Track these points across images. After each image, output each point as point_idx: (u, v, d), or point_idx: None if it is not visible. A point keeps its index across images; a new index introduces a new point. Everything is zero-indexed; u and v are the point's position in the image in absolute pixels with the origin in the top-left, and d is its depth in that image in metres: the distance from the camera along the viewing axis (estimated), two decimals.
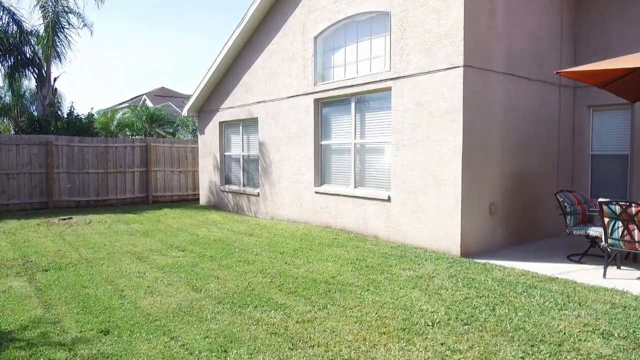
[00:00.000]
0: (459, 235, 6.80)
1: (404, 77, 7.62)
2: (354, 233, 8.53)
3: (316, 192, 9.54)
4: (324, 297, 4.87)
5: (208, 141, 13.53)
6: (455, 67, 6.84)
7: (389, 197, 7.92)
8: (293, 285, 5.29)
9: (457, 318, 4.25)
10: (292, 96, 10.12)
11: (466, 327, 4.07)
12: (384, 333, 3.94)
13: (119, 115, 19.35)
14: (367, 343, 3.75)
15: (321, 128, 9.63)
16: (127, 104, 29.51)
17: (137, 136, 17.53)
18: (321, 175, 9.66)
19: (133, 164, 13.84)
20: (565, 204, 6.72)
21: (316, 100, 9.55)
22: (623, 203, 5.45)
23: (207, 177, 13.62)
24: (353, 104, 8.79)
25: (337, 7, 8.88)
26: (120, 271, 5.91)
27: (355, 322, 4.17)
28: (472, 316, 4.29)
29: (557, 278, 5.59)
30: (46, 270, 5.92)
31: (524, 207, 7.88)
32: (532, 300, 4.72)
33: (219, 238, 8.20)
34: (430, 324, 4.13)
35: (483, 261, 6.43)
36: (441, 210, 7.06)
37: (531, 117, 7.96)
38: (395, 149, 7.80)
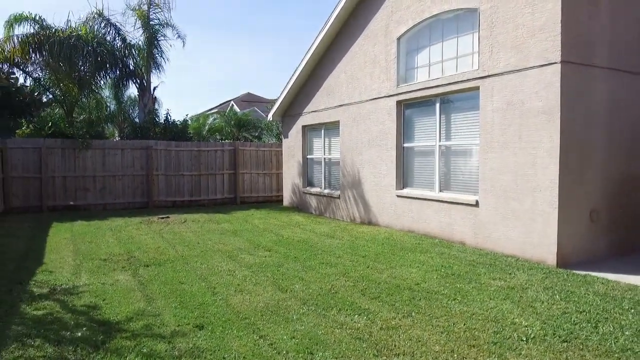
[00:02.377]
0: (555, 244, 6.33)
1: (493, 75, 7.27)
2: (438, 239, 8.29)
3: (398, 196, 9.40)
4: (408, 304, 4.79)
5: (291, 144, 13.90)
6: (551, 64, 6.39)
7: (477, 201, 7.58)
8: (376, 290, 5.25)
9: (554, 334, 3.95)
10: (374, 99, 10.07)
11: (565, 344, 3.78)
12: (474, 346, 3.77)
13: (209, 121, 20.54)
14: (455, 355, 3.62)
15: (403, 130, 9.48)
16: (216, 110, 31.26)
17: (225, 140, 18.48)
18: (403, 178, 9.51)
19: (222, 166, 14.61)
20: None
21: (399, 102, 9.41)
22: None
23: (290, 179, 13.99)
24: (437, 105, 8.55)
25: (421, 6, 8.69)
26: (212, 268, 6.26)
27: (442, 333, 4.05)
28: (572, 333, 3.97)
29: None
30: (147, 266, 6.44)
31: (631, 214, 7.15)
32: None
33: (302, 239, 8.38)
34: (524, 339, 3.89)
35: (583, 273, 5.92)
36: (535, 217, 6.63)
37: (639, 116, 7.21)
38: (484, 152, 7.46)
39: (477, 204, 7.58)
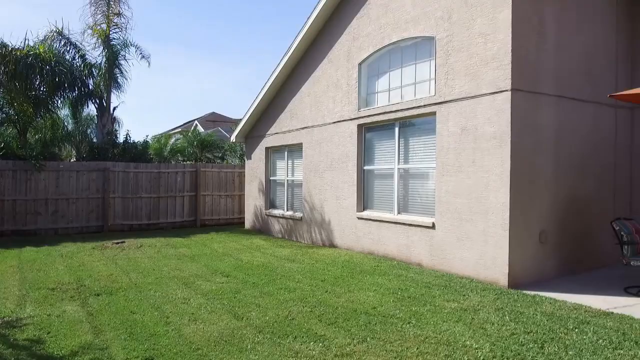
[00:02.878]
0: (507, 265, 6.52)
1: (448, 101, 7.53)
2: (397, 260, 8.38)
3: (359, 218, 9.49)
4: (364, 329, 4.79)
5: (254, 166, 13.85)
6: (502, 91, 6.68)
7: (433, 223, 7.75)
8: (333, 315, 5.24)
9: (502, 356, 4.04)
10: (336, 122, 10.21)
11: None
12: None
13: (172, 141, 20.23)
14: None
15: (364, 153, 9.63)
16: (180, 129, 30.85)
17: (188, 161, 18.22)
18: (364, 200, 9.62)
19: (183, 188, 14.36)
20: (622, 233, 6.31)
21: (360, 126, 9.58)
22: None
23: (253, 201, 13.90)
24: (397, 129, 8.75)
25: (381, 33, 8.96)
26: (166, 297, 6.09)
27: (395, 358, 4.07)
28: (519, 354, 4.07)
29: (612, 313, 5.22)
30: (98, 295, 6.20)
31: (577, 236, 7.47)
32: (585, 337, 4.43)
33: (262, 264, 8.30)
34: None
35: (532, 293, 6.11)
36: (488, 239, 6.82)
37: (584, 140, 7.60)
38: (440, 175, 7.66)
39: (433, 226, 7.74)
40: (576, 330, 4.66)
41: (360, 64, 9.57)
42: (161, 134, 23.36)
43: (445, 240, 7.53)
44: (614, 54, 8.03)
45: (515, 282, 6.55)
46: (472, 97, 7.11)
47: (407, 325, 4.88)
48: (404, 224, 8.39)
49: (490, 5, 6.82)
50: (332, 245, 10.25)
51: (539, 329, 4.70)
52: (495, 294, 6.04)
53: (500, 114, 6.69)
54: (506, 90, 6.62)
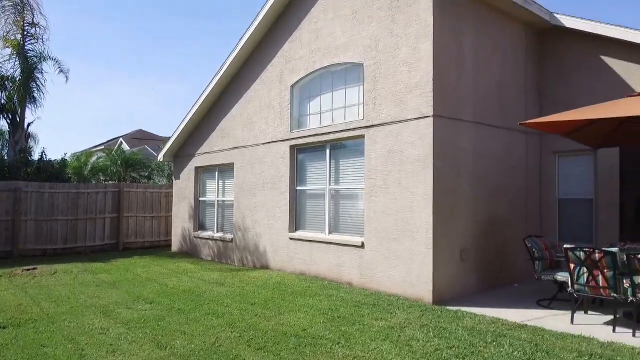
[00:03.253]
0: (431, 282, 6.80)
1: (376, 125, 7.81)
2: (328, 280, 8.45)
3: (290, 238, 9.48)
4: (293, 352, 4.75)
5: (183, 186, 13.43)
6: (425, 117, 7.06)
7: (363, 243, 7.92)
8: (262, 339, 5.15)
9: None
10: (269, 142, 10.22)
11: None
12: None
13: (93, 159, 19.11)
14: None
15: (296, 174, 9.70)
16: (103, 147, 29.27)
17: (110, 181, 17.28)
18: (296, 221, 9.64)
19: (104, 209, 13.56)
20: (533, 250, 6.83)
21: (292, 147, 9.66)
22: (587, 249, 5.58)
23: (180, 223, 13.43)
24: (328, 151, 8.92)
25: (313, 57, 9.16)
26: (82, 327, 5.67)
27: None
28: None
29: (526, 325, 5.60)
30: (4, 328, 5.64)
31: (494, 253, 7.97)
32: (502, 350, 4.70)
33: (189, 288, 8.00)
34: None
35: (455, 308, 6.41)
36: (413, 257, 7.08)
37: (499, 163, 8.19)
38: (369, 195, 7.88)
39: (363, 246, 7.91)
40: (494, 343, 4.93)
41: (292, 86, 9.70)
42: (82, 151, 22.02)
43: (374, 259, 7.71)
44: (523, 85, 8.80)
45: (439, 298, 6.83)
46: (398, 122, 7.45)
47: (337, 346, 4.91)
48: (335, 243, 8.50)
49: (413, 36, 7.24)
50: (264, 267, 10.12)
51: (461, 343, 4.92)
52: (421, 311, 6.26)
53: (424, 138, 7.05)
54: (429, 116, 7.00)
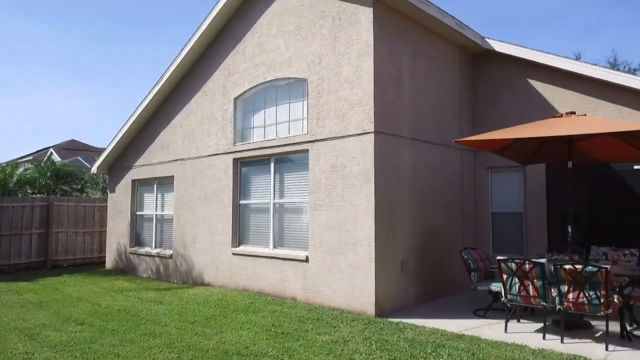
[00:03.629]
0: (374, 295, 6.90)
1: (320, 140, 7.89)
2: (272, 295, 8.35)
3: (233, 254, 9.29)
4: None
5: (119, 200, 12.84)
6: (367, 133, 7.22)
7: (307, 257, 7.92)
8: (203, 359, 4.98)
9: None
10: (211, 155, 10.02)
11: None
12: None
13: (20, 171, 17.81)
14: None
15: (240, 187, 9.56)
16: (31, 157, 27.39)
17: (39, 194, 16.16)
18: (239, 235, 9.48)
19: (31, 225, 12.65)
20: (469, 261, 7.14)
21: (235, 160, 9.53)
22: (518, 260, 5.90)
23: (116, 238, 12.79)
24: (272, 164, 8.89)
25: (257, 71, 9.14)
26: (4, 352, 5.21)
27: None
28: None
29: (464, 335, 5.81)
30: None
31: (433, 265, 8.23)
32: None
33: (124, 308, 7.60)
34: None
35: (396, 320, 6.54)
36: (356, 270, 7.17)
37: (437, 178, 8.52)
38: (313, 209, 7.91)
39: (307, 260, 7.91)
40: (434, 354, 5.07)
41: (236, 99, 9.61)
42: (6, 162, 20.48)
43: (318, 273, 7.73)
44: (458, 105, 9.25)
45: (382, 310, 6.94)
46: (341, 137, 7.57)
47: None
48: (279, 258, 8.43)
49: (355, 55, 7.43)
50: (206, 284, 9.84)
51: (402, 355, 5.02)
52: (364, 324, 6.32)
53: (365, 153, 7.21)
54: (370, 132, 7.18)
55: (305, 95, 8.25)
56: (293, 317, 6.73)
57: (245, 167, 9.53)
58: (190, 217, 10.41)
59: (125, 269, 12.27)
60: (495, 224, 9.50)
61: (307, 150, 8.11)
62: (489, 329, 6.15)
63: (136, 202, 12.46)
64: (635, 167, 8.00)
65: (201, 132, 10.34)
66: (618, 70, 8.53)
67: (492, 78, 9.51)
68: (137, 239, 12.32)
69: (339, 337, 5.72)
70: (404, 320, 6.54)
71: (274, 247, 8.72)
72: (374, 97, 7.17)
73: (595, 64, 8.26)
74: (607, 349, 5.24)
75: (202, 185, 10.19)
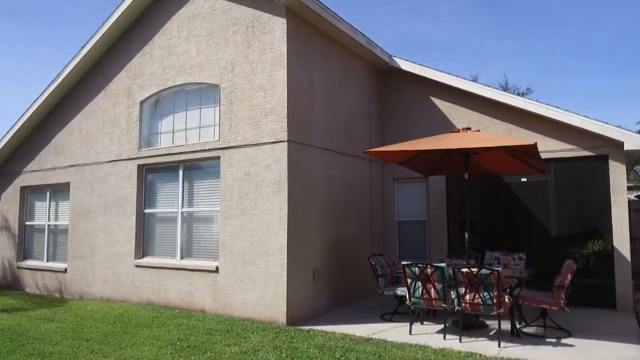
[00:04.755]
0: (285, 303, 6.88)
1: (232, 147, 7.75)
2: (179, 309, 7.97)
3: (137, 266, 8.75)
4: None
5: (4, 208, 11.53)
6: (280, 142, 7.23)
7: (217, 267, 7.69)
8: None
9: None
10: (113, 161, 9.40)
11: None
12: None
13: None
14: None
15: (145, 196, 9.06)
16: None
17: None
18: (143, 246, 8.95)
19: None
20: (377, 267, 7.41)
21: (140, 166, 9.02)
22: (421, 265, 6.24)
23: (0, 251, 11.44)
24: (181, 172, 8.54)
25: (166, 74, 8.77)
26: None
27: None
28: None
29: (371, 339, 5.99)
30: None
31: (344, 272, 8.42)
32: None
33: (9, 327, 6.79)
34: None
35: (307, 328, 6.57)
36: (268, 279, 7.10)
37: (348, 187, 8.77)
38: (224, 218, 7.72)
39: (217, 270, 7.68)
40: (342, 358, 5.16)
41: (142, 102, 9.14)
42: None
43: (229, 283, 7.53)
44: (368, 118, 9.64)
45: (293, 318, 6.93)
46: (255, 145, 7.51)
47: None
48: (187, 269, 8.09)
49: (268, 63, 7.44)
50: (105, 299, 9.13)
51: None
52: (275, 333, 6.26)
53: (279, 162, 7.22)
54: (284, 141, 7.20)
55: (218, 101, 8.08)
56: (201, 330, 6.47)
57: (152, 174, 9.07)
58: (89, 227, 9.64)
59: (12, 285, 11.00)
60: (401, 232, 9.98)
61: (218, 157, 7.92)
62: (395, 331, 6.41)
63: (25, 211, 11.27)
64: (522, 179, 8.88)
65: (102, 136, 9.67)
66: (508, 92, 9.46)
67: (399, 95, 10.05)
68: (25, 252, 11.13)
69: (249, 347, 5.60)
70: (315, 327, 6.59)
71: (182, 257, 8.35)
72: (287, 107, 7.22)
73: (489, 85, 9.07)
74: (499, 345, 5.70)
75: (102, 193, 9.50)
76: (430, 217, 9.58)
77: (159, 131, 9.01)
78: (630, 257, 7.93)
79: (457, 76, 9.19)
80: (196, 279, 7.95)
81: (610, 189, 8.03)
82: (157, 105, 9.07)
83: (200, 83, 8.35)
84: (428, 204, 9.64)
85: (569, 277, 6.09)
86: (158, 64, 8.92)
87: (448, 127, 9.00)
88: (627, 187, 7.97)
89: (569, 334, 6.18)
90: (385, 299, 8.15)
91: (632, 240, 9.76)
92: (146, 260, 8.73)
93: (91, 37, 9.58)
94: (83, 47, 9.72)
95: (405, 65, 9.68)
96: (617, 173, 8.01)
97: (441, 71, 9.33)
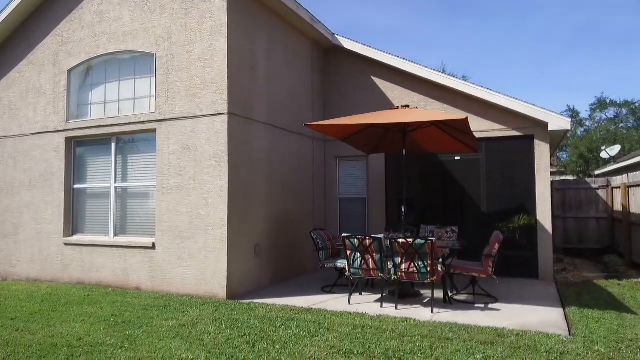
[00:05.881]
0: (225, 278, 6.80)
1: (169, 119, 7.47)
2: (114, 287, 7.67)
3: (66, 244, 8.28)
4: None
5: None
6: (220, 114, 7.06)
7: (154, 244, 7.45)
8: (25, 355, 4.34)
9: None
10: (39, 133, 8.76)
11: None
12: None
13: None
14: None
15: (74, 170, 8.55)
16: None
17: None
18: (73, 223, 8.48)
19: None
20: (318, 241, 7.50)
21: (69, 139, 8.48)
22: (360, 237, 6.38)
23: None
24: (114, 145, 8.13)
25: (96, 41, 8.25)
26: None
27: None
28: (232, 357, 4.25)
29: (312, 308, 6.09)
30: None
31: (286, 247, 8.45)
32: (289, 332, 4.99)
33: None
34: None
35: (248, 301, 6.55)
36: (208, 254, 6.98)
37: (291, 164, 8.75)
38: (161, 193, 7.47)
39: (153, 246, 7.44)
40: (283, 327, 5.20)
41: (70, 71, 8.55)
42: None
43: (166, 260, 7.33)
44: (311, 95, 9.63)
45: (234, 293, 6.88)
46: (193, 117, 7.28)
47: (119, 351, 4.47)
48: (121, 246, 7.77)
49: (208, 32, 7.20)
50: (31, 279, 8.58)
51: (252, 331, 5.04)
52: (214, 307, 6.19)
53: (219, 135, 7.05)
54: (223, 114, 7.03)
55: (153, 71, 7.72)
56: (137, 306, 6.27)
57: (81, 147, 8.56)
58: (12, 204, 8.97)
59: None
60: (342, 209, 10.15)
61: (154, 130, 7.61)
62: (335, 302, 6.55)
63: None
64: (456, 157, 9.28)
65: (26, 106, 8.97)
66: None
67: (342, 74, 10.10)
68: None
69: (188, 320, 5.50)
70: (256, 301, 6.58)
71: (116, 235, 8.01)
72: (227, 78, 7.04)
73: (427, 67, 9.33)
74: (432, 311, 5.99)
75: (26, 167, 8.86)
76: (370, 194, 9.80)
77: (90, 102, 8.49)
78: (552, 232, 8.56)
79: (398, 56, 9.38)
80: (131, 256, 7.66)
81: (535, 168, 8.59)
82: (88, 75, 8.53)
83: (135, 52, 7.93)
84: (368, 181, 9.85)
85: (497, 246, 6.49)
86: (88, 30, 8.37)
87: (388, 106, 9.18)
88: (550, 172, 8.55)
89: (496, 300, 6.60)
90: (326, 273, 8.28)
91: (554, 217, 10.56)
92: (76, 238, 8.29)
93: (11, 2, 8.79)
94: (2, 10, 8.91)
95: (347, 44, 9.73)
96: (542, 152, 8.57)
97: (382, 51, 9.47)
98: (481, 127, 8.82)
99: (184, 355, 4.29)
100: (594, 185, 12.17)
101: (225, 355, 4.29)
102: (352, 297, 6.62)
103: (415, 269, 6.11)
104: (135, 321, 5.51)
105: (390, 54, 9.40)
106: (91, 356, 4.31)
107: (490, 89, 8.66)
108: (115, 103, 8.21)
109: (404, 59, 9.41)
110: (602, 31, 46.92)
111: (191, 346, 4.55)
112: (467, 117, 5.86)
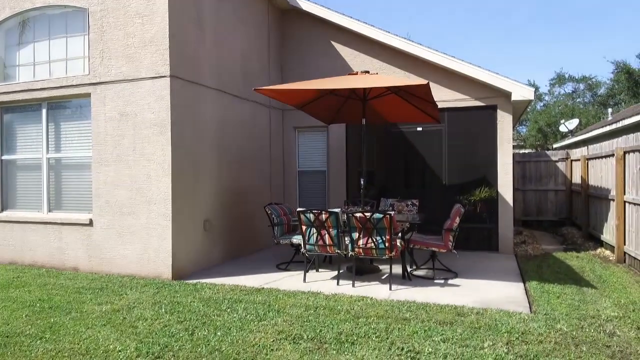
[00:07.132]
0: (170, 257, 6.27)
1: (105, 82, 6.72)
2: (48, 268, 7.00)
3: None
4: None
5: None
6: (162, 77, 6.37)
7: (91, 220, 6.79)
8: None
9: (148, 352, 3.66)
10: None
11: None
12: None
13: None
14: None
15: (2, 140, 7.69)
16: None
17: None
18: (3, 198, 7.68)
19: None
20: (273, 216, 7.04)
21: None
22: (316, 211, 5.96)
23: None
24: (45, 111, 7.31)
25: None
26: None
27: None
28: (167, 346, 3.79)
29: (263, 288, 5.67)
30: None
31: (240, 222, 7.96)
32: (235, 315, 4.56)
33: None
34: None
35: (195, 281, 6.06)
36: (151, 231, 6.41)
37: (245, 134, 8.17)
38: (98, 165, 6.77)
39: (91, 223, 6.79)
40: (228, 310, 4.76)
41: None
42: None
43: (105, 237, 6.70)
44: (266, 59, 8.98)
45: (180, 272, 6.37)
46: (132, 80, 6.56)
47: (38, 342, 3.92)
48: (56, 223, 7.07)
49: None
50: None
51: (193, 316, 4.58)
52: (156, 288, 5.68)
53: (160, 100, 6.38)
54: (165, 77, 6.35)
55: (86, 29, 6.89)
56: (69, 289, 5.67)
57: (9, 113, 7.68)
58: None
59: None
60: (301, 182, 9.70)
61: (89, 95, 6.84)
62: (289, 280, 6.15)
63: None
64: (418, 128, 8.93)
65: None
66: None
67: (299, 36, 9.48)
68: None
69: (123, 305, 4.97)
70: (204, 281, 6.10)
71: (50, 210, 7.28)
72: (169, 37, 6.33)
73: (390, 32, 8.82)
74: (390, 288, 5.68)
75: None
76: (330, 167, 9.37)
77: (17, 63, 7.57)
78: (513, 205, 8.42)
79: (359, 20, 8.83)
80: (67, 234, 6.98)
81: (498, 139, 8.35)
82: (13, 33, 7.58)
83: (65, 6, 7.05)
84: (328, 153, 9.40)
85: (457, 220, 6.21)
86: None
87: (349, 72, 8.67)
88: (512, 146, 8.35)
89: (456, 275, 6.39)
90: (282, 249, 7.87)
91: (514, 190, 10.47)
92: (6, 215, 7.51)
93: None
94: None
95: (305, 5, 9.09)
96: (504, 123, 8.33)
97: (343, 14, 8.90)
98: (443, 96, 8.48)
99: (111, 346, 3.78)
100: (553, 158, 12.19)
101: (159, 345, 3.81)
102: (307, 274, 6.24)
103: (373, 244, 5.76)
104: (64, 306, 4.94)
105: (352, 17, 8.85)
106: (4, 349, 3.75)
107: (454, 57, 8.28)
108: (45, 65, 7.33)
109: (367, 23, 8.87)
110: (563, 7, 47.55)
111: (121, 335, 4.04)
112: (428, 83, 5.44)
